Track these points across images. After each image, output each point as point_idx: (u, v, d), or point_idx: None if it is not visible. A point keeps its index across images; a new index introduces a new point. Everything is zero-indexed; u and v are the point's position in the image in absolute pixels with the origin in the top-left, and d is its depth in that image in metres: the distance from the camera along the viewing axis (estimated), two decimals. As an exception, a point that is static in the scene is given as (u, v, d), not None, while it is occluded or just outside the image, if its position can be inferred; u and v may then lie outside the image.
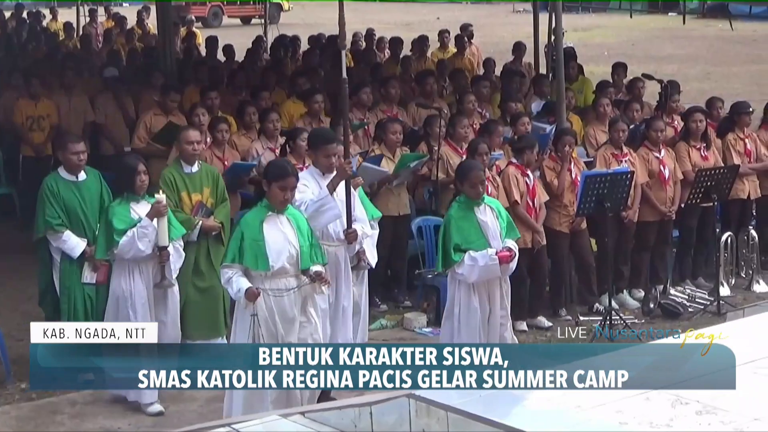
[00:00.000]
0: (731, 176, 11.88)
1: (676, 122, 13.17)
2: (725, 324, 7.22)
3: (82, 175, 9.48)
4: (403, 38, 20.32)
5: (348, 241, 8.90)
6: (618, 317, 10.84)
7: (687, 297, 11.80)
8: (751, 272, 12.41)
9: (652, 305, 11.50)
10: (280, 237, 8.00)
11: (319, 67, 17.01)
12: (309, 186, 8.81)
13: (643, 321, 11.23)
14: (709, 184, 11.63)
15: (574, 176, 11.21)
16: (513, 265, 8.89)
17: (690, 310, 11.48)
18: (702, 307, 11.56)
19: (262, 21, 24.05)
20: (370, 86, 13.74)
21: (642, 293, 11.76)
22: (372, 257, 9.14)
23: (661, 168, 11.69)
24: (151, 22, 23.82)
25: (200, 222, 9.71)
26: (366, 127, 12.80)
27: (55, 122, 14.53)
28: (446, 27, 21.54)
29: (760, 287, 12.21)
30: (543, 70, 17.50)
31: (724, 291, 11.84)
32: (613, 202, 10.97)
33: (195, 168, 9.86)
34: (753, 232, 12.56)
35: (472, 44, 21.23)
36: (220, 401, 8.50)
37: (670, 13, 41.46)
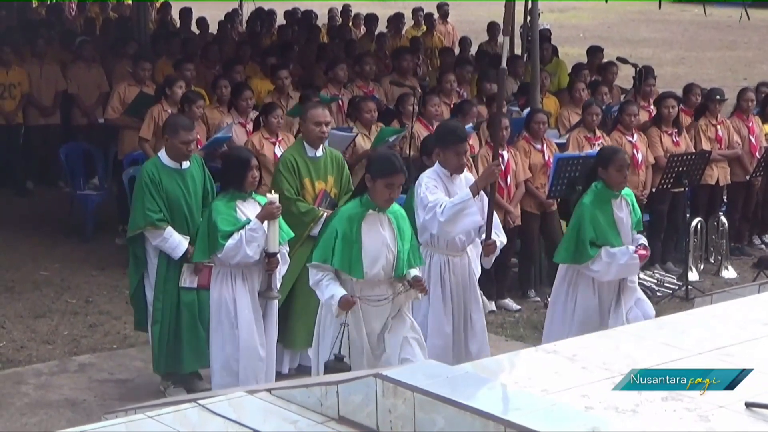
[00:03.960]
0: (702, 162, 11.91)
1: (651, 107, 13.18)
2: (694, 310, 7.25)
3: (185, 163, 8.43)
4: (379, 15, 20.28)
5: (486, 253, 7.95)
6: (586, 300, 10.85)
7: (656, 281, 11.83)
8: (720, 258, 12.46)
9: (620, 288, 11.52)
10: (378, 241, 7.13)
11: (293, 42, 16.95)
12: (438, 187, 7.84)
13: (611, 304, 11.24)
14: (680, 169, 11.65)
15: (546, 158, 11.21)
16: (641, 264, 8.30)
17: (658, 294, 11.50)
18: (670, 291, 11.59)
19: (238, -7, 23.89)
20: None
21: (611, 276, 11.77)
22: (478, 267, 8.26)
23: (634, 152, 11.69)
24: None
25: (324, 214, 8.64)
26: (339, 101, 12.77)
27: (26, 90, 14.46)
28: (422, 5, 21.49)
29: (728, 273, 12.25)
30: (518, 50, 17.47)
31: (693, 276, 11.88)
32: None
33: (320, 152, 8.78)
34: (723, 219, 12.60)
35: (448, 23, 21.21)
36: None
37: (646, -3, 41.51)
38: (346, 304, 7.01)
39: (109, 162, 13.58)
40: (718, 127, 12.69)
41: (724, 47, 32.45)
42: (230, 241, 7.65)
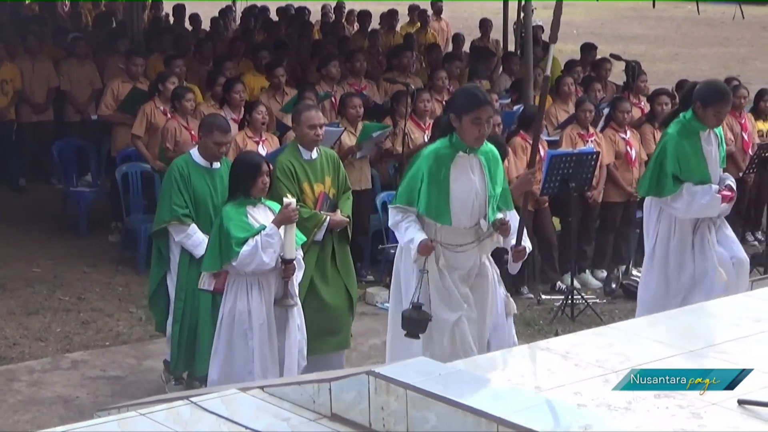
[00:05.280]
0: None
1: (642, 103, 13.17)
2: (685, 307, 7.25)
3: (216, 163, 8.32)
4: (372, 12, 20.27)
5: (515, 259, 7.47)
6: (580, 297, 10.85)
7: (649, 278, 11.81)
8: (713, 255, 12.43)
9: (614, 285, 11.53)
10: (467, 187, 6.77)
11: (286, 38, 16.95)
12: None
13: (604, 301, 11.26)
14: (674, 166, 11.64)
15: (543, 155, 11.20)
16: (729, 207, 7.99)
17: (651, 291, 11.49)
18: (663, 288, 11.57)
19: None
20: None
21: (604, 273, 11.80)
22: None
23: (628, 149, 11.71)
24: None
25: (327, 217, 8.37)
26: (333, 98, 12.77)
27: (18, 87, 14.42)
28: (416, 2, 21.49)
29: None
30: (511, 47, 17.49)
31: (686, 273, 11.86)
32: (577, 182, 10.96)
33: (315, 154, 8.47)
34: (715, 216, 12.58)
35: (441, 19, 21.21)
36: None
37: (639, -7, 41.54)
38: (425, 249, 6.74)
39: (102, 159, 13.58)
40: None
41: (717, 44, 32.49)
42: (245, 248, 7.36)
